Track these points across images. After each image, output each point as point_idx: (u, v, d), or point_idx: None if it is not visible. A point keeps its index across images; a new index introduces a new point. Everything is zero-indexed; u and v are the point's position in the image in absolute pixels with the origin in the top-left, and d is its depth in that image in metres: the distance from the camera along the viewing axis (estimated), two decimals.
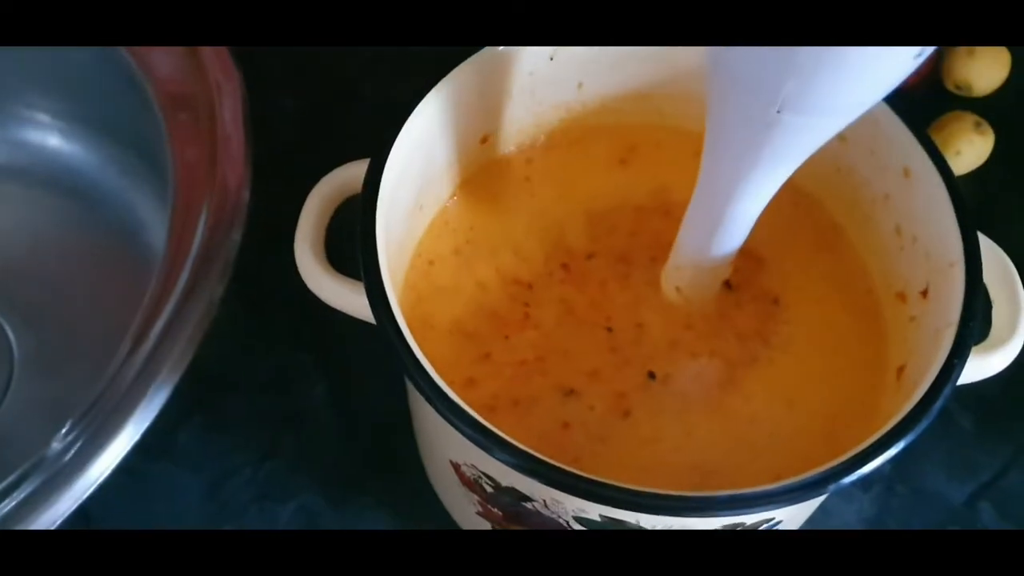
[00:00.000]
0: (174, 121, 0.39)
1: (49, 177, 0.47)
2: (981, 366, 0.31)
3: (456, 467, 0.33)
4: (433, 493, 0.40)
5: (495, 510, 0.33)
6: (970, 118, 0.47)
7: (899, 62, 0.24)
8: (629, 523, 0.29)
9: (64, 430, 0.32)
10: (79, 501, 0.32)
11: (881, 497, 0.41)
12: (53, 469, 0.32)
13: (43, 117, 0.47)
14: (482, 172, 0.38)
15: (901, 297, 0.34)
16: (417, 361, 0.28)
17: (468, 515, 0.36)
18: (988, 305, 0.32)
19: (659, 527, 0.29)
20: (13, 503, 0.31)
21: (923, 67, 0.48)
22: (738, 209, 0.30)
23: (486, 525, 0.35)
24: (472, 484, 0.33)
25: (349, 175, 0.33)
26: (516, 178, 0.38)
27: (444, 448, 0.33)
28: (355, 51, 0.51)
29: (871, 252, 0.36)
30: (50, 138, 0.47)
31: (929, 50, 0.24)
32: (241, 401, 0.43)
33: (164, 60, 0.40)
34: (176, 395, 0.33)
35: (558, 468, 0.27)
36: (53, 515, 0.31)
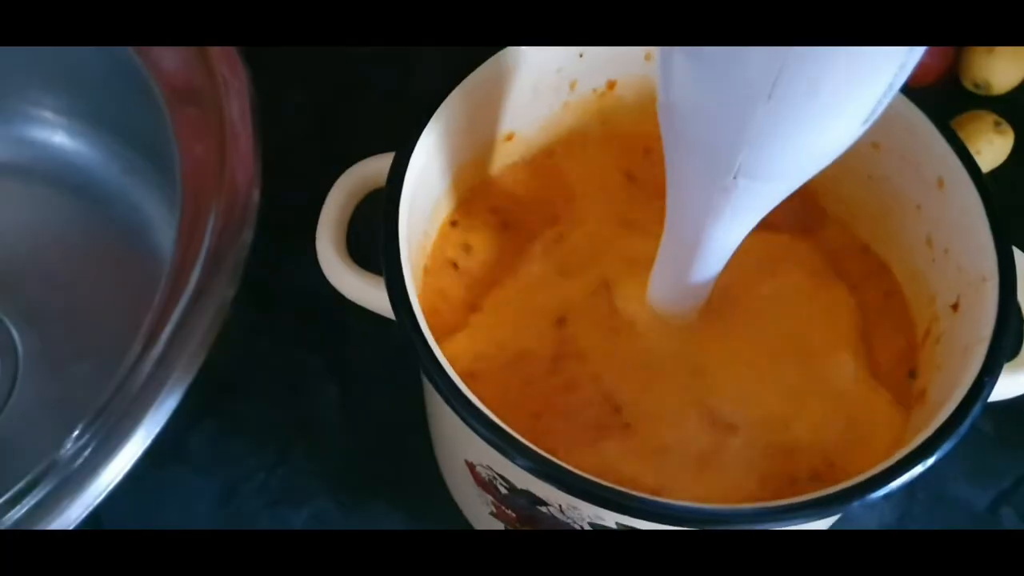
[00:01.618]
0: (180, 117, 0.38)
1: (54, 175, 0.47)
2: (1011, 384, 0.31)
3: (471, 467, 0.32)
4: (447, 497, 0.39)
5: (509, 512, 0.33)
6: (989, 117, 0.46)
7: (847, 129, 0.25)
8: (644, 530, 0.29)
9: (75, 434, 0.32)
10: (90, 507, 0.31)
11: (902, 503, 0.41)
12: (64, 474, 0.31)
13: (47, 114, 0.46)
14: (508, 170, 0.38)
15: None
16: (436, 360, 0.28)
17: (482, 515, 0.36)
18: (1019, 320, 0.31)
19: None
20: (24, 509, 0.31)
21: (940, 64, 0.48)
22: (705, 256, 0.30)
23: (499, 526, 0.35)
24: (487, 485, 0.32)
25: (372, 169, 0.33)
26: (541, 176, 0.38)
27: (460, 448, 0.33)
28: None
29: (900, 263, 0.35)
30: (55, 135, 0.47)
31: (875, 117, 0.24)
32: (252, 405, 0.42)
33: (169, 55, 0.39)
34: (186, 399, 0.33)
35: (575, 474, 0.26)
36: (65, 521, 0.31)
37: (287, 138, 0.43)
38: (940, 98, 0.48)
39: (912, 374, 0.33)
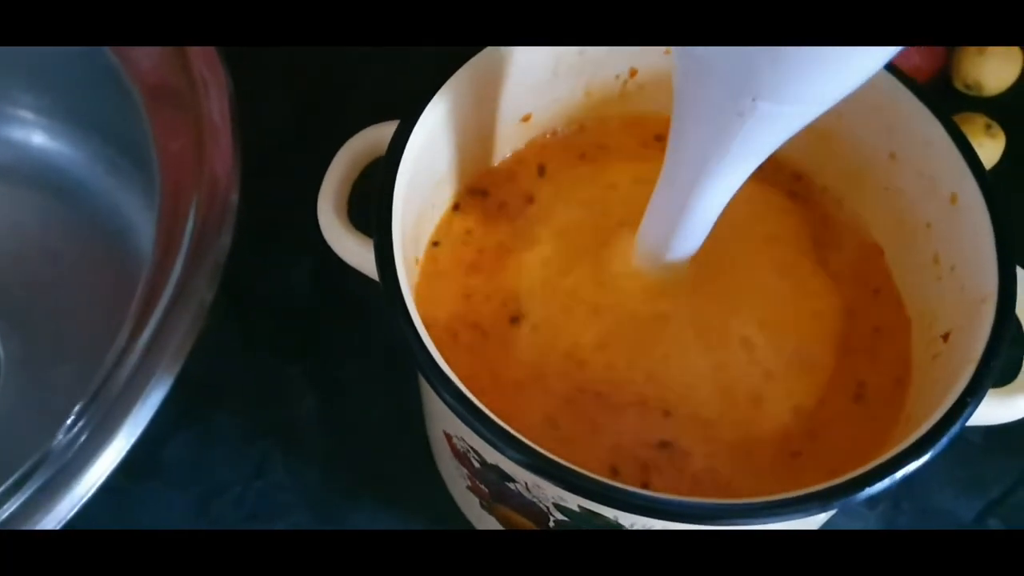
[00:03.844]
0: (158, 116, 0.38)
1: (34, 176, 0.46)
2: (1005, 409, 0.30)
3: (448, 439, 0.33)
4: (429, 509, 0.39)
5: (482, 486, 0.33)
6: (980, 120, 0.45)
7: (873, 55, 0.24)
8: (607, 517, 0.29)
9: (61, 431, 0.31)
10: (63, 521, 0.31)
11: (887, 515, 0.40)
12: (35, 486, 0.31)
13: (26, 114, 0.46)
14: (523, 150, 0.38)
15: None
16: (412, 322, 0.28)
17: (460, 489, 0.36)
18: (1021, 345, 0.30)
19: (637, 526, 0.29)
20: (7, 512, 0.31)
21: (931, 65, 0.47)
22: (701, 203, 0.29)
23: (475, 500, 0.35)
24: (462, 457, 0.33)
25: (380, 135, 0.33)
26: (556, 159, 0.38)
27: (438, 417, 0.33)
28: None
29: (905, 281, 0.35)
30: (34, 136, 0.46)
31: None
32: (229, 415, 0.42)
33: (147, 55, 0.39)
34: (162, 408, 0.32)
35: (528, 447, 0.27)
36: (48, 523, 0.31)
37: (269, 140, 0.42)
38: None
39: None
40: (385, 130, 0.33)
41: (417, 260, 0.35)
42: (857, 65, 0.24)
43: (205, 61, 0.38)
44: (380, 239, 0.30)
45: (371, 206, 0.30)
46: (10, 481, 0.31)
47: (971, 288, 0.31)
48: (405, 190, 0.31)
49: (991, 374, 0.28)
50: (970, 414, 0.28)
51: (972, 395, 0.28)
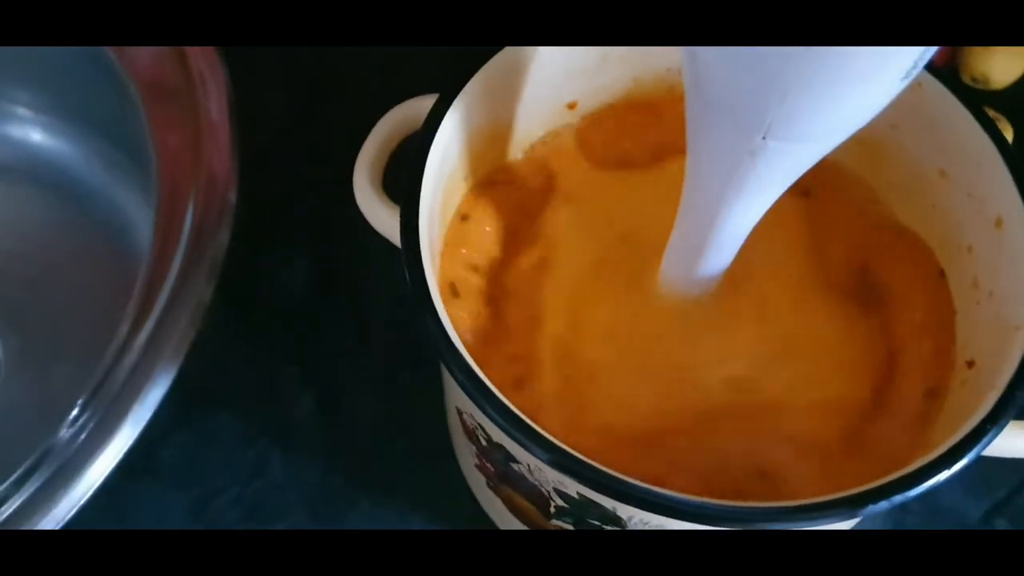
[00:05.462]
0: (156, 113, 0.38)
1: (32, 173, 0.46)
2: None
3: (460, 415, 0.33)
4: (427, 510, 0.40)
5: (488, 465, 0.33)
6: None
7: (886, 85, 0.23)
8: (605, 507, 0.28)
9: (51, 442, 0.31)
10: (63, 521, 0.31)
11: (895, 514, 0.40)
12: (36, 485, 0.31)
13: (24, 111, 0.46)
14: (567, 136, 0.38)
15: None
16: (426, 288, 0.28)
17: (469, 467, 0.37)
18: None
19: (635, 519, 0.29)
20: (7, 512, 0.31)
21: (938, 58, 0.45)
22: (722, 236, 0.29)
23: (482, 480, 0.35)
24: (471, 434, 0.33)
25: (421, 107, 0.33)
26: (598, 148, 0.37)
27: (451, 393, 0.33)
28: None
29: None
30: (32, 133, 0.46)
31: (916, 72, 0.23)
32: (226, 416, 0.41)
33: (145, 52, 0.39)
34: (160, 407, 0.32)
35: (528, 427, 0.26)
36: (49, 521, 0.31)
37: (268, 137, 0.41)
38: None
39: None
40: (425, 103, 0.33)
41: (442, 234, 0.35)
42: (863, 102, 0.24)
43: (204, 58, 0.38)
44: (407, 204, 0.30)
45: (404, 172, 0.31)
46: (11, 479, 0.31)
47: (1006, 315, 0.30)
48: (439, 161, 0.31)
49: (1015, 403, 0.27)
50: (989, 442, 0.27)
51: (993, 422, 0.27)
